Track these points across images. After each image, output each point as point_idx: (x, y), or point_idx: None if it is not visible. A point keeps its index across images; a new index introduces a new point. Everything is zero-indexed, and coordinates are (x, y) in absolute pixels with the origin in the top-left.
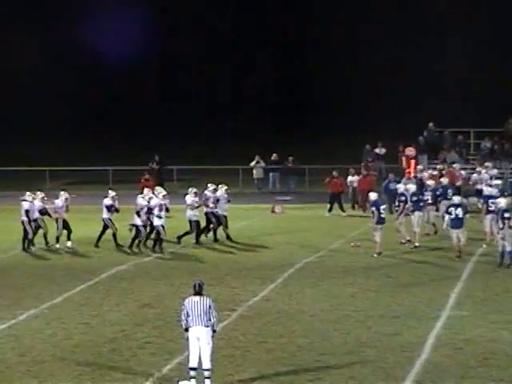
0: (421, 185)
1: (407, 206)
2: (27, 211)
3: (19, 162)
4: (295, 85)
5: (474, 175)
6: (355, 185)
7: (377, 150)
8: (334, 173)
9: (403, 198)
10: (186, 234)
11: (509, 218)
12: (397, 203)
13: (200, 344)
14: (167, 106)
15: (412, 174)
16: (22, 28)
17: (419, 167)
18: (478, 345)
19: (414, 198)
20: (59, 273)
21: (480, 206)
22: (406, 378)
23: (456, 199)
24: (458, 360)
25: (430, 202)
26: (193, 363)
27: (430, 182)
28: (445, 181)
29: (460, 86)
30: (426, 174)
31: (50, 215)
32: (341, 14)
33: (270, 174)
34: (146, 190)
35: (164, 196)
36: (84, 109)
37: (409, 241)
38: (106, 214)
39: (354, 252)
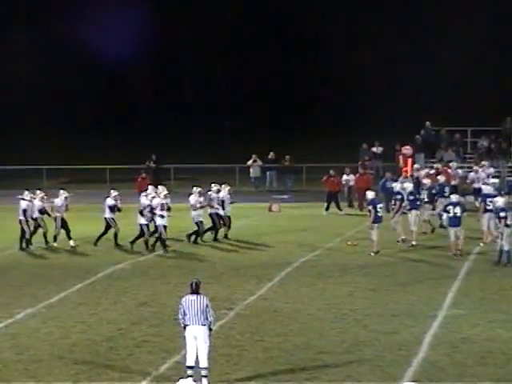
0: (417, 183)
1: (404, 204)
2: (25, 210)
3: (18, 161)
4: (295, 85)
5: (471, 174)
6: (351, 184)
7: (374, 149)
8: (331, 171)
9: (400, 197)
10: (196, 233)
11: (505, 217)
12: (393, 202)
13: (197, 343)
14: (167, 106)
15: (409, 173)
16: (22, 28)
17: (416, 166)
18: (476, 343)
19: (411, 197)
20: (56, 272)
21: (477, 204)
22: (404, 377)
23: (454, 197)
24: (455, 359)
25: (426, 200)
26: (190, 362)
27: (427, 181)
28: (441, 179)
29: (460, 86)
30: (422, 173)
31: (49, 214)
32: (341, 14)
33: (267, 173)
34: (149, 189)
35: (165, 195)
36: (84, 109)
37: (403, 240)
38: (108, 214)
39: (351, 251)
